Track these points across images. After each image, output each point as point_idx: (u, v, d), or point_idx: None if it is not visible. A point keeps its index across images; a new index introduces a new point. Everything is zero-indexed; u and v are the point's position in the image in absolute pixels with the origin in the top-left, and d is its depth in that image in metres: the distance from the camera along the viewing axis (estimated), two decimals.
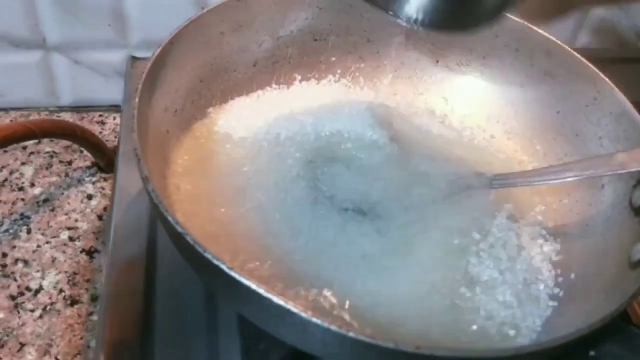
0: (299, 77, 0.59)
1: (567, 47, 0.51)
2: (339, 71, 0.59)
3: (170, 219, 0.36)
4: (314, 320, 0.32)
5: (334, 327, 0.32)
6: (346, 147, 0.51)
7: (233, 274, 0.34)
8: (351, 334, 0.32)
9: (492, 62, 0.56)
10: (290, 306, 0.32)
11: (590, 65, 0.49)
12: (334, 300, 0.41)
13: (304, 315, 0.32)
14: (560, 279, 0.47)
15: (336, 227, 0.45)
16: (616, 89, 0.48)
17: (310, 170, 0.49)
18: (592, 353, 0.42)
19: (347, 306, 0.41)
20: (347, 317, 0.40)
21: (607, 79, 0.48)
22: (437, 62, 0.58)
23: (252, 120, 0.54)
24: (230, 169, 0.49)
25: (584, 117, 0.50)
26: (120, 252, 0.48)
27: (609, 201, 0.47)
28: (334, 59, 0.59)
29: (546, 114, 0.53)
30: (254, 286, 0.33)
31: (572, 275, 0.46)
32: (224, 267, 0.34)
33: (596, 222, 0.48)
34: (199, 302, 0.45)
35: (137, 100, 0.42)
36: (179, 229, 0.35)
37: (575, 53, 0.51)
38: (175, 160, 0.49)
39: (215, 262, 0.34)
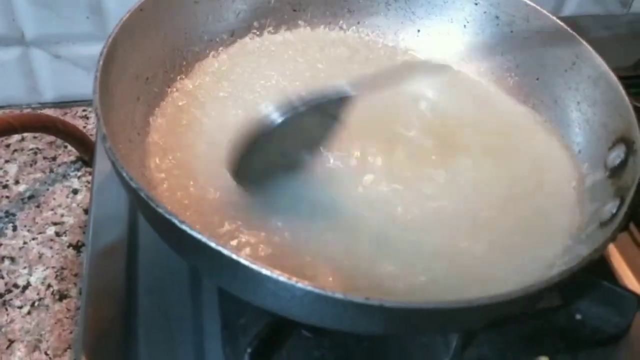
0: (276, 48, 0.57)
1: (546, 12, 0.51)
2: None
3: (125, 174, 0.35)
4: (272, 275, 0.32)
5: (282, 278, 0.32)
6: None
7: (194, 233, 0.33)
8: (299, 285, 0.32)
9: (472, 30, 0.55)
10: (246, 260, 0.32)
11: (569, 29, 0.49)
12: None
13: (254, 267, 0.32)
14: None
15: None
16: (594, 53, 0.48)
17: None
18: (578, 317, 0.42)
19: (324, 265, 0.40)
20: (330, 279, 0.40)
21: (585, 43, 0.48)
22: (419, 31, 0.57)
23: (227, 89, 0.53)
24: (202, 137, 0.49)
25: (563, 83, 0.50)
26: (101, 241, 0.47)
27: (585, 164, 0.47)
28: (311, 28, 0.58)
29: (526, 82, 0.53)
30: (209, 242, 0.33)
31: None
32: (175, 221, 0.33)
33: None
34: (182, 285, 0.45)
35: (100, 62, 0.41)
36: (133, 185, 0.35)
37: (554, 17, 0.50)
38: (147, 127, 0.48)
39: (168, 216, 0.34)
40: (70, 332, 0.52)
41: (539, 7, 0.52)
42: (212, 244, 0.33)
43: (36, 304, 0.54)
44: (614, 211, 0.40)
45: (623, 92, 0.45)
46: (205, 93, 0.52)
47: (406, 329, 0.37)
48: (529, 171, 0.48)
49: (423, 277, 0.40)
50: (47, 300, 0.54)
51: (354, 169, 0.47)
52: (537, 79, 0.52)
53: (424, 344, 0.42)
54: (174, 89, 0.52)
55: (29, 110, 0.71)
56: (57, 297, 0.55)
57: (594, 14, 0.79)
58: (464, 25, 0.56)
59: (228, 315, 0.41)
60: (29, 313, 0.54)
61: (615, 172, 0.43)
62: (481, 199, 0.46)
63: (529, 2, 0.52)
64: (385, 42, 0.58)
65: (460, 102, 0.53)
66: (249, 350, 0.38)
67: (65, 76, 0.70)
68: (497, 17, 0.54)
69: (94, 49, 0.68)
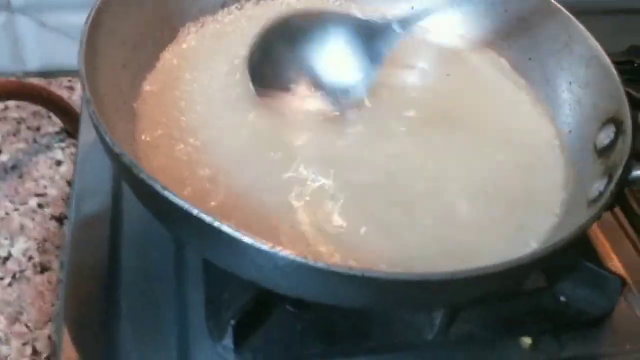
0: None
1: None
2: None
3: (107, 138, 0.35)
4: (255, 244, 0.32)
5: (264, 246, 0.31)
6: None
7: (176, 199, 0.33)
8: (282, 253, 0.31)
9: (466, 8, 0.55)
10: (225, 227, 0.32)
11: (563, 9, 0.49)
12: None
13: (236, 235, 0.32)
14: None
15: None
16: (587, 33, 0.48)
17: None
18: (562, 299, 0.42)
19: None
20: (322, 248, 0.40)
21: (578, 23, 0.48)
22: (412, 7, 0.57)
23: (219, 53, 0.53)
24: (189, 104, 0.48)
25: (555, 63, 0.50)
26: (84, 212, 0.47)
27: (575, 144, 0.48)
28: None
29: (518, 60, 0.52)
30: (190, 208, 0.33)
31: None
32: (158, 187, 0.33)
33: None
34: (165, 258, 0.45)
35: (87, 24, 0.40)
36: (116, 150, 0.34)
37: None
38: (135, 95, 0.48)
39: (150, 182, 0.33)
40: (52, 305, 0.52)
41: None
42: (194, 211, 0.32)
43: (17, 275, 0.53)
44: (602, 189, 0.39)
45: (615, 72, 0.45)
46: (196, 60, 0.52)
47: (389, 301, 0.37)
48: (517, 148, 0.48)
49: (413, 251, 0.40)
50: (29, 272, 0.54)
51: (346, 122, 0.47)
52: (530, 58, 0.52)
53: (408, 321, 0.42)
54: (163, 58, 0.51)
55: (12, 79, 0.70)
56: (38, 269, 0.54)
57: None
58: (459, 4, 0.55)
59: (212, 289, 0.41)
60: (9, 285, 0.53)
61: (604, 152, 0.43)
62: (469, 174, 0.46)
63: None
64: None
65: (452, 79, 0.53)
66: (232, 322, 0.38)
67: (51, 45, 0.69)
68: None
69: (81, 18, 0.66)
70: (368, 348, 0.41)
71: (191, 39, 0.54)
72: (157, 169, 0.43)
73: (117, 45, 0.47)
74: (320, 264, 0.31)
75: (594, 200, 0.40)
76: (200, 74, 0.51)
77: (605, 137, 0.43)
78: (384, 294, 0.34)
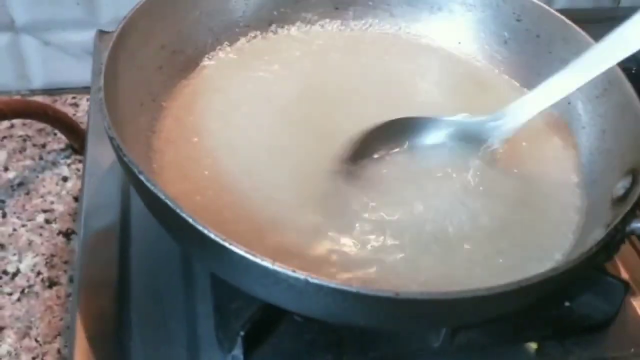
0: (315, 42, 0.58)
1: (584, 34, 0.51)
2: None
3: (121, 148, 0.35)
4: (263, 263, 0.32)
5: (267, 264, 0.32)
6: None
7: (182, 214, 0.33)
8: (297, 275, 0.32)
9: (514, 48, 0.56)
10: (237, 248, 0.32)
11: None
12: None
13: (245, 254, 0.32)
14: None
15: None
16: (624, 79, 0.47)
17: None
18: (567, 303, 0.42)
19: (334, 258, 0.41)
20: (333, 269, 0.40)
21: (617, 67, 0.46)
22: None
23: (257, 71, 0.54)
24: (219, 115, 0.50)
25: (593, 109, 0.49)
26: (93, 227, 0.47)
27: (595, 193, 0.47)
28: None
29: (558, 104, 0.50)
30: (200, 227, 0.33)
31: None
32: (164, 198, 0.34)
33: None
34: (174, 270, 0.45)
35: (123, 23, 0.44)
36: (126, 159, 0.35)
37: (591, 40, 0.50)
38: (165, 96, 0.50)
39: (167, 200, 0.34)
40: (60, 319, 0.52)
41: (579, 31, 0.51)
42: (199, 227, 0.33)
43: (26, 290, 0.54)
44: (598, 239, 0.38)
45: None
46: (233, 73, 0.53)
47: (398, 322, 0.38)
48: (537, 188, 0.47)
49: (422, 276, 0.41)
50: (37, 287, 0.54)
51: None
52: (569, 102, 0.51)
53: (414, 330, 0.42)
54: (202, 66, 0.53)
55: (18, 97, 0.71)
56: (47, 284, 0.54)
57: (584, 8, 0.80)
58: (505, 42, 0.56)
59: (220, 300, 0.41)
60: (18, 300, 0.53)
61: (618, 202, 0.42)
62: (488, 200, 0.45)
63: (567, 21, 0.51)
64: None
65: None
66: (241, 333, 0.39)
67: (54, 63, 0.70)
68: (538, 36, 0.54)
69: (84, 36, 0.69)
70: (375, 357, 0.42)
71: (233, 52, 0.55)
72: (167, 164, 0.45)
73: (155, 48, 0.49)
74: (333, 284, 0.32)
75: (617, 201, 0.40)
76: (232, 87, 0.53)
77: (621, 187, 0.42)
78: (392, 314, 0.35)
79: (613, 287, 0.44)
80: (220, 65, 0.54)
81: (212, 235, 0.33)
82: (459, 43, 0.58)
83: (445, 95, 0.54)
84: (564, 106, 0.51)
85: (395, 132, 0.47)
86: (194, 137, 0.48)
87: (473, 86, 0.55)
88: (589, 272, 0.42)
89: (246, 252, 0.32)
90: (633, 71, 0.64)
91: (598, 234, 0.37)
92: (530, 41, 0.55)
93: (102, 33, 0.64)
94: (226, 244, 0.33)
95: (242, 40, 0.56)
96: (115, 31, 0.45)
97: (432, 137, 0.48)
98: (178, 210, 0.34)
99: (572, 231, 0.44)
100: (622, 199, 0.40)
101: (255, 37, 0.57)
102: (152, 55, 0.49)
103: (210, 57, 0.54)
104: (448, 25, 0.58)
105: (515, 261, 0.42)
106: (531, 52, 0.55)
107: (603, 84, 0.48)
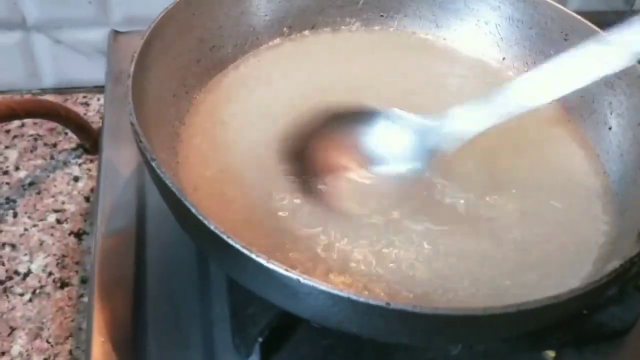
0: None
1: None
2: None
3: (138, 132, 0.35)
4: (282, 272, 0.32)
5: (282, 271, 0.32)
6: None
7: (201, 217, 0.33)
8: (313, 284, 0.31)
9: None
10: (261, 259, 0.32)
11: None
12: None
13: (267, 264, 0.32)
14: None
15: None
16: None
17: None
18: (584, 312, 0.42)
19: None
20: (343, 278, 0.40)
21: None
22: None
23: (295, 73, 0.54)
24: (253, 110, 0.50)
25: (634, 137, 0.47)
26: (109, 229, 0.47)
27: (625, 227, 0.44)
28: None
29: (596, 131, 0.50)
30: (225, 237, 0.33)
31: None
32: (185, 201, 0.33)
33: None
34: (190, 273, 0.45)
35: (162, 14, 0.44)
36: (142, 145, 0.35)
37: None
38: (200, 88, 0.50)
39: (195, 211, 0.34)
40: (72, 320, 0.52)
41: None
42: (218, 232, 0.33)
43: (37, 291, 0.54)
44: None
45: None
46: (272, 74, 0.53)
47: (426, 337, 0.37)
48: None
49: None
50: (49, 288, 0.54)
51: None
52: (610, 128, 0.49)
53: None
54: (241, 63, 0.53)
55: (28, 95, 0.70)
56: (58, 284, 0.54)
57: (597, 10, 0.79)
58: None
59: (237, 305, 0.41)
60: (30, 300, 0.53)
61: None
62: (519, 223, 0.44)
63: None
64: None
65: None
66: (260, 340, 0.38)
67: (65, 62, 0.70)
68: None
69: (96, 35, 0.69)
70: None
71: (272, 52, 0.55)
72: (192, 154, 0.45)
73: (194, 41, 0.50)
74: (345, 294, 0.31)
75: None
76: (267, 85, 0.53)
77: None
78: (413, 328, 0.34)
79: (632, 296, 0.44)
80: (258, 64, 0.54)
81: (225, 237, 0.33)
82: (503, 59, 0.57)
83: None
84: (605, 131, 0.49)
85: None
86: (223, 131, 0.48)
87: None
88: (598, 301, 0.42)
89: (264, 260, 0.32)
90: None
91: (614, 265, 0.36)
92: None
93: (116, 33, 0.63)
94: (241, 249, 0.32)
95: (282, 40, 0.56)
96: (152, 23, 0.45)
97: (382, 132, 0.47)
98: (187, 204, 0.34)
99: (592, 261, 0.42)
100: None
101: (294, 39, 0.57)
102: (191, 48, 0.50)
103: (249, 55, 0.54)
104: (492, 39, 0.57)
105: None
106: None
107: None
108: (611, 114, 0.49)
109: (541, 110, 0.51)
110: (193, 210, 0.34)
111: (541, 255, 0.42)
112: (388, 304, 0.32)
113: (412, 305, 0.32)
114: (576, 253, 0.42)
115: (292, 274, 0.32)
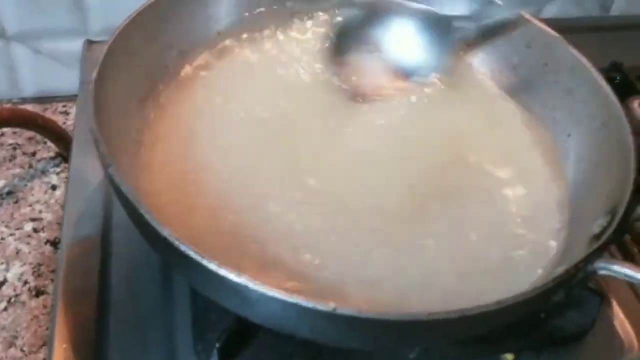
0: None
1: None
2: None
3: (99, 140, 0.35)
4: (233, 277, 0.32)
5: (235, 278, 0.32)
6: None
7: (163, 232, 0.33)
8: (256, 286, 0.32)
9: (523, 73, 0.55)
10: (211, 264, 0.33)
11: (605, 84, 0.48)
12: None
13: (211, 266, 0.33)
14: None
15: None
16: (622, 112, 0.46)
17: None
18: (542, 315, 0.42)
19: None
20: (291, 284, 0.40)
21: (615, 100, 0.46)
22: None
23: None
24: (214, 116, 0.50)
25: (591, 142, 0.48)
26: (75, 236, 0.48)
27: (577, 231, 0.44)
28: None
29: (558, 135, 0.51)
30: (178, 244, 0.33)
31: None
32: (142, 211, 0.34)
33: None
34: (154, 281, 0.45)
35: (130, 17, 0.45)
36: (101, 152, 0.35)
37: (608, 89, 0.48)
38: (165, 101, 0.50)
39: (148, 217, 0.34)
40: (47, 329, 0.53)
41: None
42: (170, 238, 0.33)
43: (12, 300, 0.54)
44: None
45: (634, 164, 0.42)
46: (239, 79, 0.54)
47: (381, 341, 0.38)
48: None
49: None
50: (24, 297, 0.55)
51: None
52: (569, 135, 0.50)
53: None
54: (207, 69, 0.54)
55: (9, 105, 0.71)
56: (33, 293, 0.55)
57: (573, 16, 0.80)
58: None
59: (199, 311, 0.42)
60: (5, 309, 0.54)
61: (595, 238, 0.40)
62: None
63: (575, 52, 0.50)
64: None
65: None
66: (217, 345, 0.39)
67: (45, 71, 0.71)
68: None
69: (75, 45, 0.70)
70: None
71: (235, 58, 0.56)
72: (157, 160, 0.46)
73: (162, 48, 0.50)
74: (295, 299, 0.32)
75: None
76: (237, 90, 0.53)
77: (598, 225, 0.40)
78: (359, 332, 0.35)
79: (589, 299, 0.44)
80: (226, 69, 0.54)
81: (177, 243, 0.33)
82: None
83: None
84: (563, 137, 0.50)
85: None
86: (189, 137, 0.48)
87: None
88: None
89: (215, 265, 0.33)
90: (616, 81, 0.65)
91: (559, 270, 0.36)
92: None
93: (90, 42, 0.64)
94: (193, 255, 0.33)
95: (250, 45, 0.56)
96: (116, 30, 0.46)
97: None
98: (141, 210, 0.34)
99: (543, 266, 0.43)
100: (597, 237, 0.39)
101: (262, 40, 0.57)
102: (157, 53, 0.50)
103: (217, 60, 0.54)
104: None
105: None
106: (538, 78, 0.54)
107: (602, 117, 0.47)
108: (570, 120, 0.50)
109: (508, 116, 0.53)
110: (147, 216, 0.34)
111: (496, 257, 0.43)
112: (335, 309, 0.32)
113: (358, 310, 0.33)
114: (529, 257, 0.43)
115: (241, 280, 0.33)
